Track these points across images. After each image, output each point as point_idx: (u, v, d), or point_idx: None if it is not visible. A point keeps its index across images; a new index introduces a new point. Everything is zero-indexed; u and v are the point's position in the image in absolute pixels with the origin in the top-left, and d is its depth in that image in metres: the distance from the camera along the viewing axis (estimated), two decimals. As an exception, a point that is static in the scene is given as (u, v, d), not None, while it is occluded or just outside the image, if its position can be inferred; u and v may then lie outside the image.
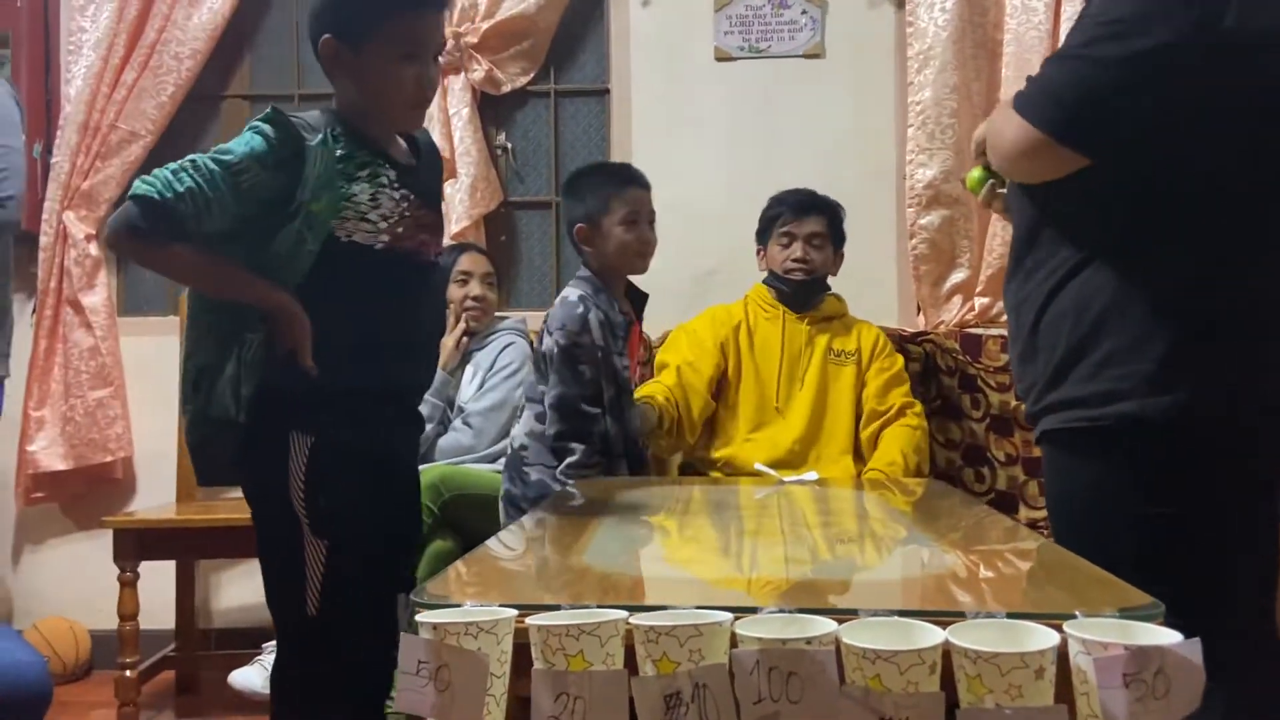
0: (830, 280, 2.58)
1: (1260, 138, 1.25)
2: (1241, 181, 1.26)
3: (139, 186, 1.37)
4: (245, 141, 1.40)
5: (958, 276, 2.94)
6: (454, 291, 2.64)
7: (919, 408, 2.49)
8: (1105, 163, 1.26)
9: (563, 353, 1.98)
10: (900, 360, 2.54)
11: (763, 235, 2.58)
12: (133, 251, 1.44)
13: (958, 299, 2.95)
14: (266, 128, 1.40)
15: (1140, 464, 1.27)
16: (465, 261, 2.68)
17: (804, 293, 2.50)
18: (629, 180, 2.13)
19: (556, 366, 1.99)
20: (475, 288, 2.65)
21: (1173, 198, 1.26)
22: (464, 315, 2.63)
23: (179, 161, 1.39)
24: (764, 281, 2.57)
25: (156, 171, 1.38)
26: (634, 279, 2.18)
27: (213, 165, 1.37)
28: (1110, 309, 1.28)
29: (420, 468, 2.37)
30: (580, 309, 2.01)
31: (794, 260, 2.48)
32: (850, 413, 2.45)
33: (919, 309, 2.99)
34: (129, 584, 2.53)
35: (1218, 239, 1.26)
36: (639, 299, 2.21)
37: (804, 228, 2.50)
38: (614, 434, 2.01)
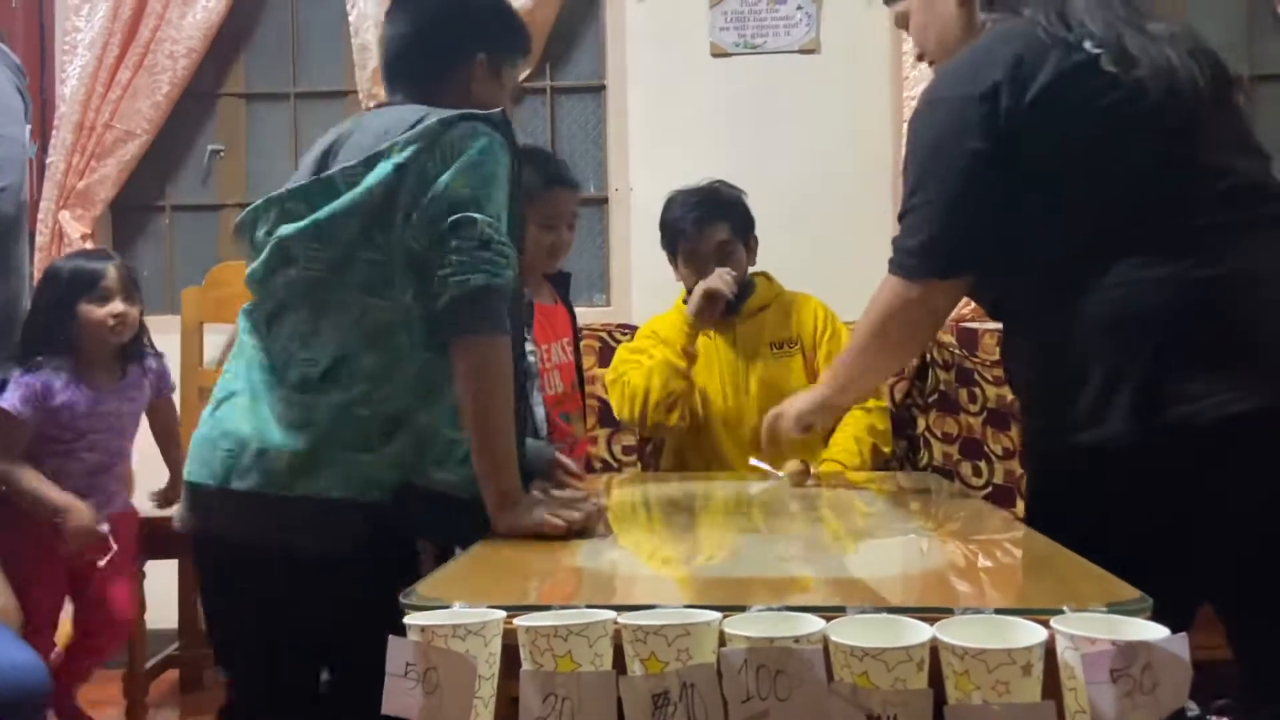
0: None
1: (1115, 173, 1.30)
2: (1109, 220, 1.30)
3: (482, 277, 1.25)
4: (496, 162, 1.32)
5: (955, 270, 2.94)
6: None
7: (877, 393, 2.35)
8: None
9: None
10: (845, 337, 2.32)
11: (668, 249, 2.37)
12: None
13: (955, 293, 2.94)
14: (497, 135, 1.34)
15: (1085, 488, 1.31)
16: None
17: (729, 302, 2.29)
18: (554, 180, 2.03)
19: None
20: None
21: (1036, 262, 1.35)
22: None
23: (481, 223, 1.26)
24: (685, 301, 2.33)
25: (475, 246, 1.25)
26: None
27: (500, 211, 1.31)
28: (1039, 360, 1.39)
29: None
30: None
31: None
32: None
33: (916, 303, 2.99)
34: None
35: (1100, 282, 1.29)
36: (562, 279, 2.18)
37: (709, 242, 2.27)
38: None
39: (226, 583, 1.42)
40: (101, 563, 2.19)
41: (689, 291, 2.32)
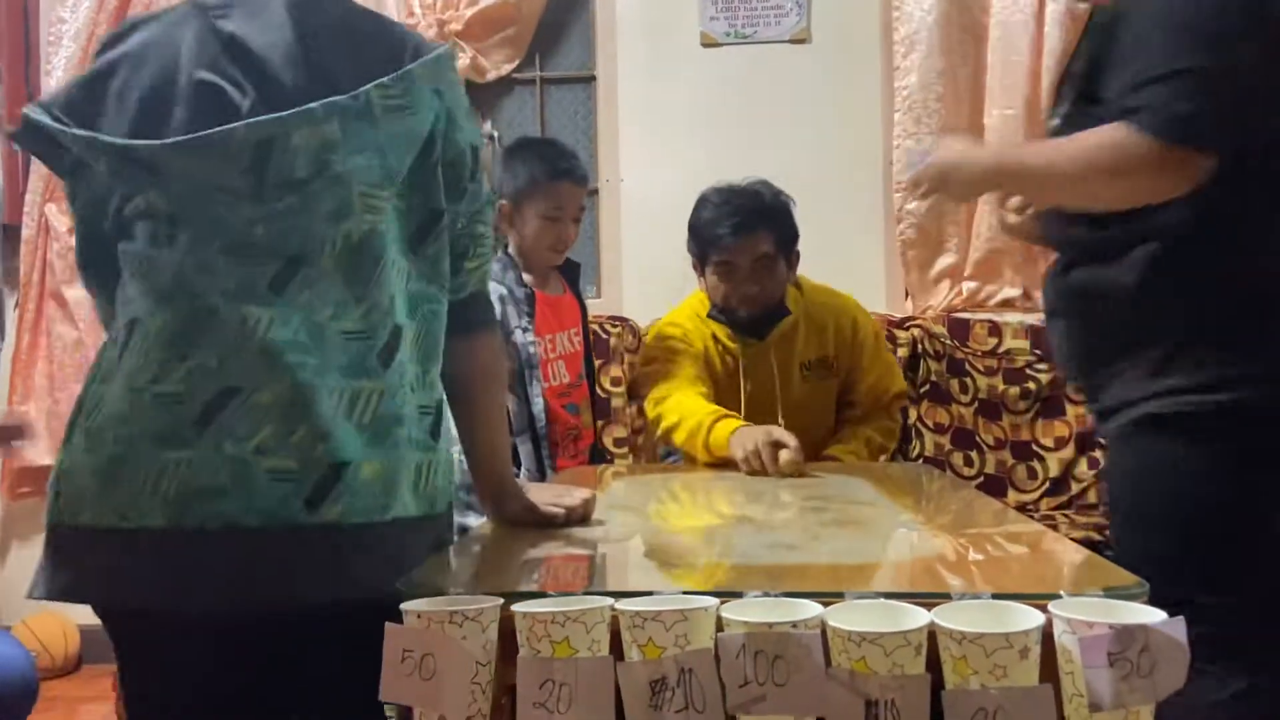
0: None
1: None
2: None
3: (491, 267, 1.23)
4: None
5: (945, 261, 2.94)
6: None
7: (902, 396, 2.25)
8: None
9: None
10: (877, 345, 2.20)
11: (696, 254, 2.10)
12: None
13: (945, 284, 2.95)
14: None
15: (1228, 452, 1.26)
16: None
17: (758, 323, 2.06)
18: (562, 174, 1.99)
19: None
20: None
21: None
22: None
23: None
24: (709, 316, 2.10)
25: (491, 232, 1.20)
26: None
27: None
28: (1206, 299, 1.26)
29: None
30: None
31: (741, 299, 2.03)
32: (833, 424, 2.16)
33: (907, 294, 3.00)
34: (119, 577, 2.52)
35: None
36: (571, 269, 2.16)
37: (747, 254, 1.98)
38: (510, 408, 1.93)
39: (266, 660, 1.05)
40: None
41: (713, 303, 2.09)
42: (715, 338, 2.11)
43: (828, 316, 2.14)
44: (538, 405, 1.98)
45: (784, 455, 1.74)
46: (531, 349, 1.98)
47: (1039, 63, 2.87)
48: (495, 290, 1.96)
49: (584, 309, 2.20)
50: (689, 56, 3.05)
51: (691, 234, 2.08)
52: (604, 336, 2.85)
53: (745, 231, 1.97)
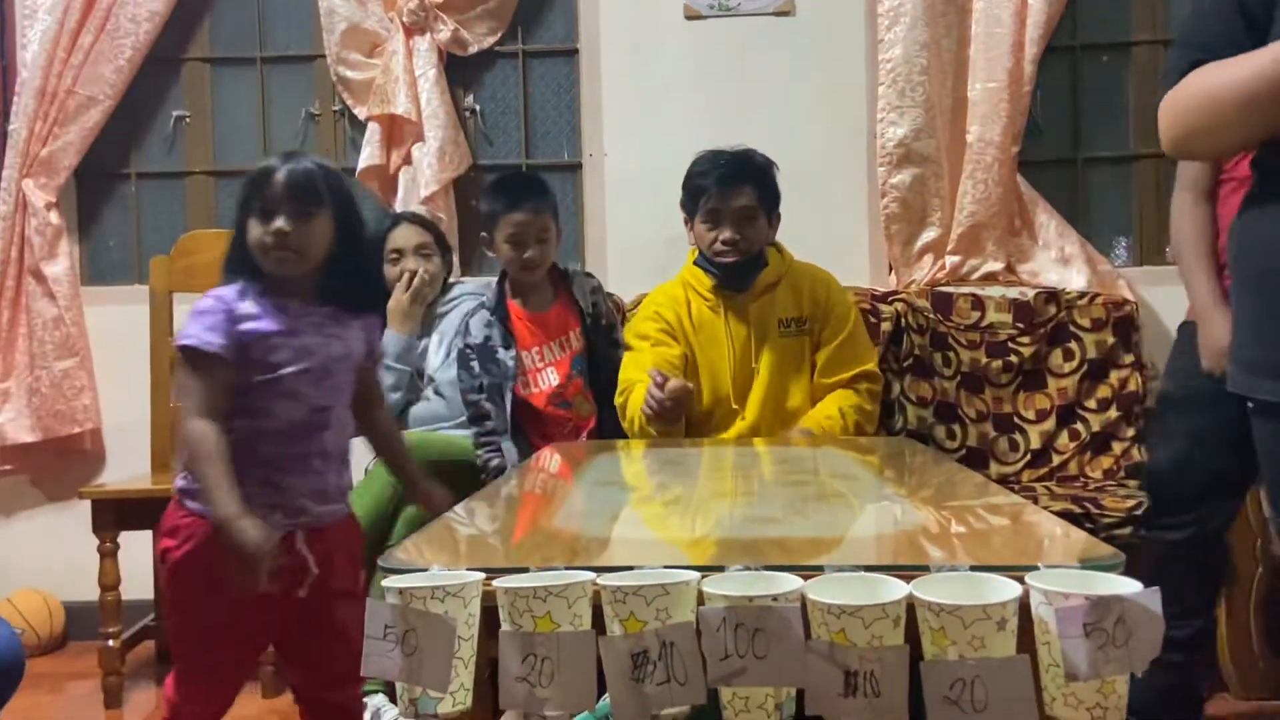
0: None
1: None
2: None
3: None
4: None
5: (929, 235, 2.94)
6: (389, 271, 2.55)
7: (873, 378, 2.33)
8: None
9: (458, 354, 2.38)
10: (851, 316, 2.34)
11: (688, 207, 2.33)
12: None
13: (929, 258, 2.95)
14: None
15: None
16: (396, 238, 2.60)
17: (739, 274, 2.28)
18: (515, 204, 2.28)
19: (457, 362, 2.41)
20: (410, 263, 2.56)
21: None
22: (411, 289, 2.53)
23: None
24: (696, 264, 2.34)
25: None
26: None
27: None
28: None
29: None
30: (467, 315, 2.40)
31: (723, 242, 2.25)
32: (808, 387, 2.30)
33: (890, 268, 3.00)
34: (109, 554, 2.51)
35: None
36: (566, 279, 2.41)
37: (731, 203, 2.24)
38: (493, 414, 2.28)
39: None
40: (301, 593, 1.49)
41: (699, 253, 2.32)
42: (696, 294, 2.32)
43: (805, 280, 2.36)
44: (505, 412, 2.30)
45: (670, 385, 1.99)
46: (510, 364, 2.30)
47: (1023, 35, 2.86)
48: (484, 317, 2.32)
49: (582, 312, 2.40)
50: (672, 29, 3.03)
51: (684, 188, 2.33)
52: (588, 312, 2.84)
53: (731, 182, 2.24)
